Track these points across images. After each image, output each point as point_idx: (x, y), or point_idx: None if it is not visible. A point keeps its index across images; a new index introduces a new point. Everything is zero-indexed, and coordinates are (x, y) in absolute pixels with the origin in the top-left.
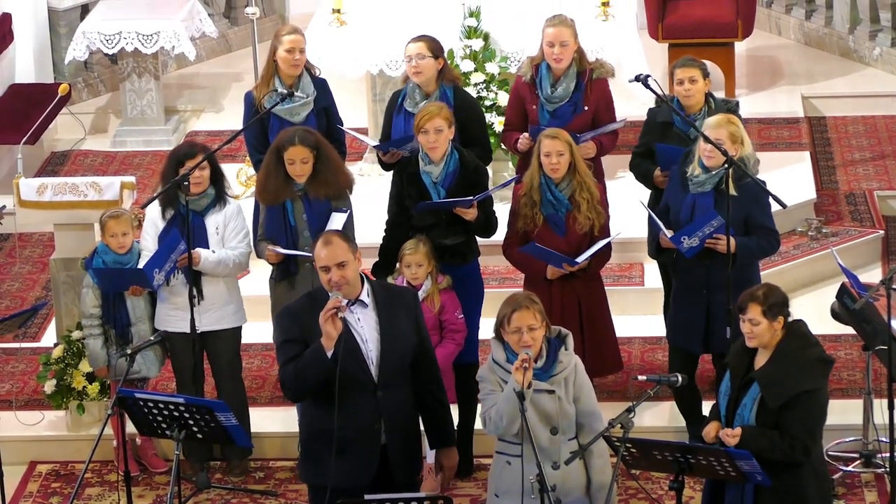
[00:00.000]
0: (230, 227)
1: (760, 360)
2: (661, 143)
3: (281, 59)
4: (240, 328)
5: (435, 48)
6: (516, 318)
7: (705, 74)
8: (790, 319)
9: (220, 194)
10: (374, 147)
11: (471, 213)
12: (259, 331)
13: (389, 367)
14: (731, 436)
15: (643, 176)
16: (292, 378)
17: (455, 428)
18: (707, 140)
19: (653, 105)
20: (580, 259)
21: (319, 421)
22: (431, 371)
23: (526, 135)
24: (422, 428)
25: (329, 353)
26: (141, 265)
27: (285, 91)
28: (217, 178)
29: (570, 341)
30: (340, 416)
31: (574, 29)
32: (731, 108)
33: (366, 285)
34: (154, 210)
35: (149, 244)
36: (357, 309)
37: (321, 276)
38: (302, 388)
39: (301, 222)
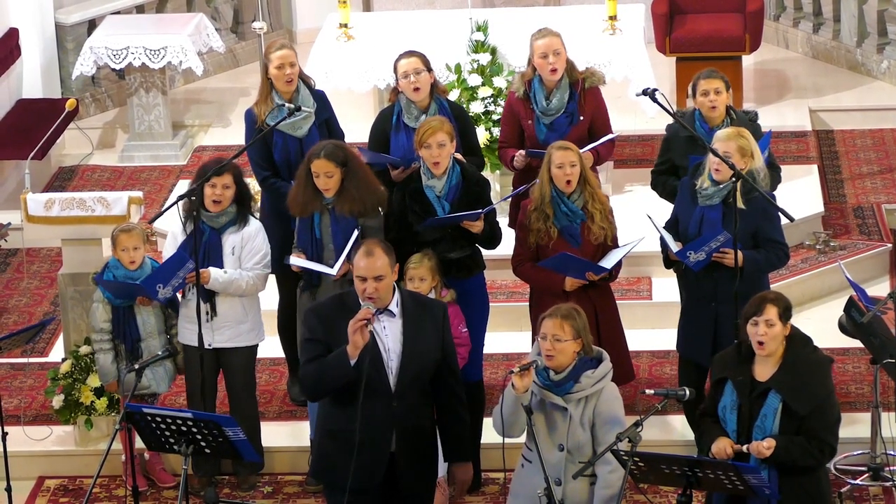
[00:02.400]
0: (247, 247)
1: (764, 369)
2: (692, 156)
3: (273, 76)
4: (255, 346)
5: (427, 62)
6: (544, 325)
7: (727, 86)
8: None
9: (241, 214)
10: (393, 164)
11: (477, 226)
12: (267, 346)
13: (408, 377)
14: (767, 448)
15: (670, 193)
16: (312, 378)
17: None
18: (715, 154)
19: (661, 119)
20: (609, 265)
21: (333, 420)
22: (454, 386)
23: (522, 152)
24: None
25: (353, 362)
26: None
27: (291, 106)
28: (241, 199)
29: (603, 367)
30: (355, 420)
31: (562, 38)
32: (751, 118)
33: (396, 295)
34: (176, 224)
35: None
36: (384, 318)
37: (357, 284)
38: (320, 390)
39: (327, 236)
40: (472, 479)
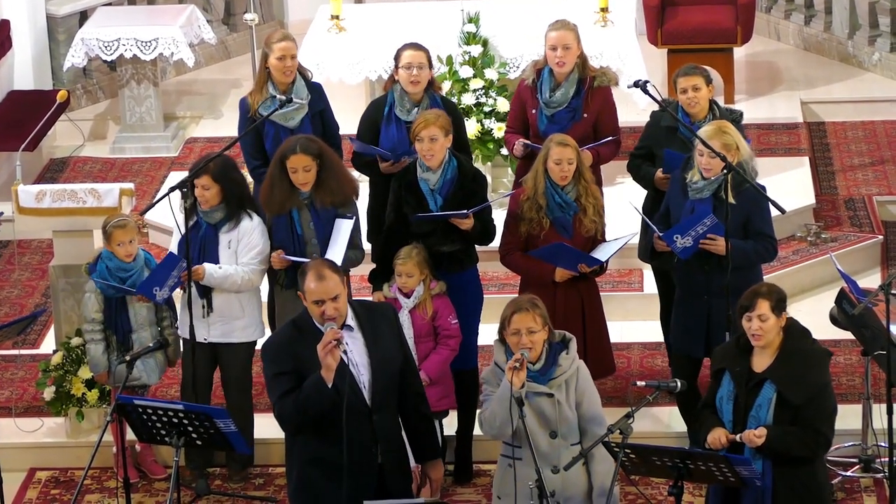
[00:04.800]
0: (243, 242)
1: (762, 361)
2: (668, 148)
3: (273, 67)
4: (252, 343)
5: (430, 58)
6: (516, 320)
7: (708, 81)
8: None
9: (232, 212)
10: (382, 156)
11: (466, 224)
12: (263, 337)
13: (381, 388)
14: (758, 436)
15: (642, 178)
16: (293, 412)
17: (440, 439)
18: (706, 146)
19: (652, 110)
20: (603, 257)
21: (314, 448)
22: (416, 385)
23: (521, 141)
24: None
25: (329, 385)
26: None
27: (283, 97)
28: (229, 197)
29: (573, 346)
30: (340, 443)
31: (577, 34)
32: (735, 118)
33: (348, 308)
34: (179, 218)
35: (174, 250)
36: (345, 333)
37: (312, 309)
38: (303, 421)
39: (308, 230)
40: (443, 475)
